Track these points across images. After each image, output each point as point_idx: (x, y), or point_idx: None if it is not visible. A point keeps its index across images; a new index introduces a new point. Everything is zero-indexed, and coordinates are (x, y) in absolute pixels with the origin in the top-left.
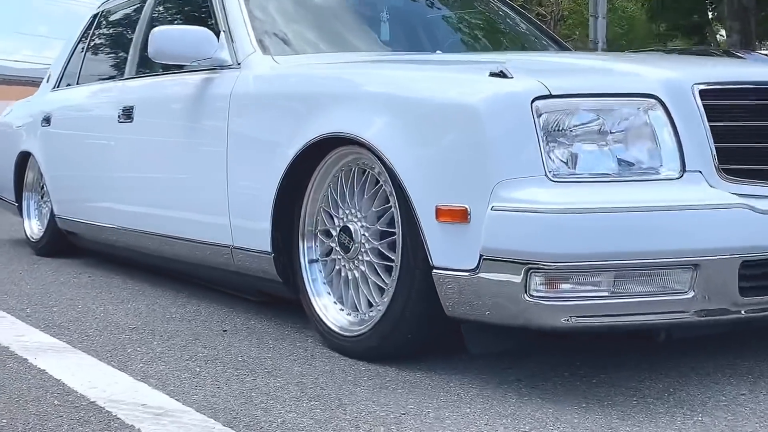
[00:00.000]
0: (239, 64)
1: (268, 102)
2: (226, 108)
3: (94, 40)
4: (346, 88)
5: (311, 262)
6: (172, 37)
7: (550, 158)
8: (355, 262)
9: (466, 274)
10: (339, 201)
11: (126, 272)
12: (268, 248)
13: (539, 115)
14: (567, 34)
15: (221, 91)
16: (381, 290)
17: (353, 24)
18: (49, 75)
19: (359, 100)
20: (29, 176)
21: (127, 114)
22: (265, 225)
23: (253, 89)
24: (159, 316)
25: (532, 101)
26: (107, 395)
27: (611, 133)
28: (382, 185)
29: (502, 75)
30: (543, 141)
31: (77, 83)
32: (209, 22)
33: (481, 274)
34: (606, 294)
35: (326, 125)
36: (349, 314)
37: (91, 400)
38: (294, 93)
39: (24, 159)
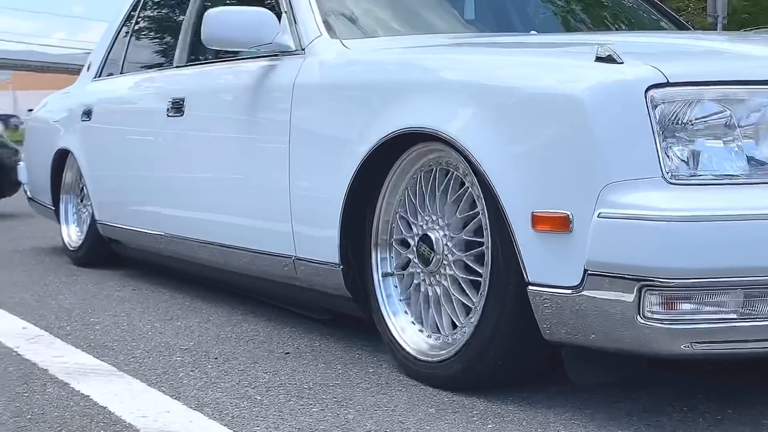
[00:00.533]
0: (303, 49)
1: (337, 92)
2: (289, 100)
3: (139, 24)
4: (426, 76)
5: (385, 275)
6: (227, 20)
7: (668, 156)
8: (437, 276)
9: (568, 291)
10: (418, 206)
11: (175, 285)
12: (336, 259)
13: (654, 107)
14: (678, 7)
15: (283, 81)
16: (467, 309)
17: (432, 1)
18: (90, 63)
19: (441, 89)
20: (67, 177)
21: (177, 107)
22: (333, 233)
23: (319, 78)
24: (213, 335)
25: (646, 90)
26: (159, 425)
27: (740, 127)
28: (468, 188)
29: (610, 60)
30: (659, 136)
31: (121, 72)
32: (269, 3)
33: (585, 292)
34: (734, 316)
35: (403, 119)
36: (429, 336)
37: (141, 430)
38: (366, 82)
39: (62, 158)
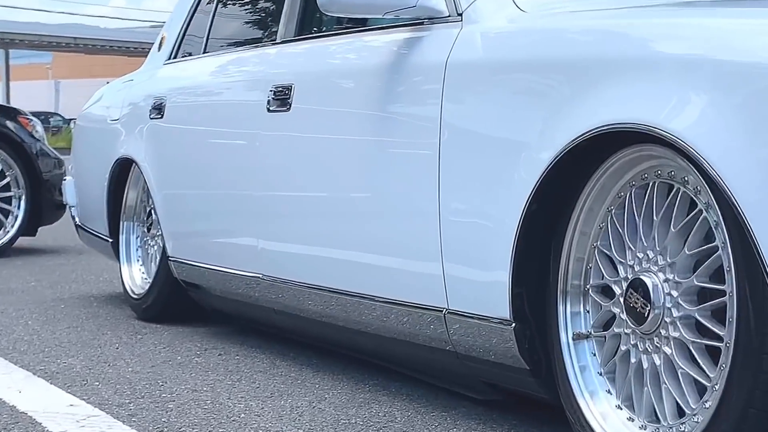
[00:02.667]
0: (460, 14)
1: (507, 75)
2: (439, 86)
3: None
4: (638, 50)
5: (578, 337)
6: None
7: None
8: (655, 340)
9: None
10: (626, 237)
11: (277, 349)
12: (506, 314)
13: None
14: None
15: (430, 59)
16: (700, 389)
17: None
18: (162, 40)
19: (662, 68)
20: (130, 197)
21: (282, 98)
22: (502, 276)
23: (483, 55)
24: (330, 421)
25: None
26: None
27: None
28: (701, 211)
29: None
30: None
31: (204, 52)
32: None
33: None
34: None
35: (604, 111)
36: (643, 428)
37: None
38: (549, 60)
39: (123, 170)
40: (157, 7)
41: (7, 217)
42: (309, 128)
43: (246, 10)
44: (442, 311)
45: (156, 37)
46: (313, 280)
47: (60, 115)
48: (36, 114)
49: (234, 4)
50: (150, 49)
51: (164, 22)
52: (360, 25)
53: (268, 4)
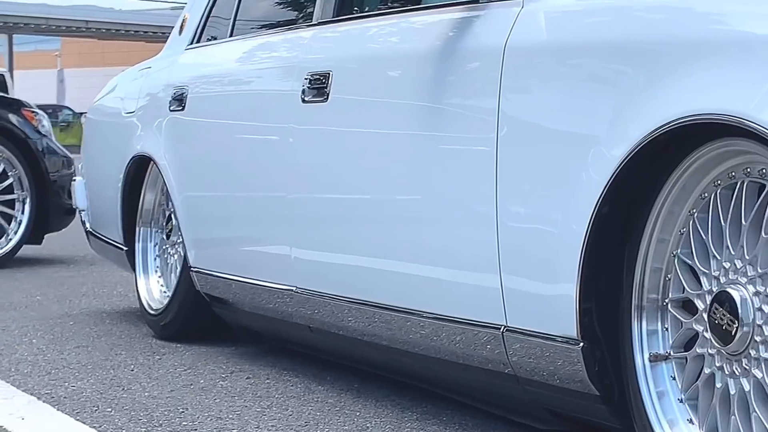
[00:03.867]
0: None
1: (575, 60)
2: (497, 73)
3: None
4: (722, 31)
5: (656, 359)
6: None
7: None
8: (744, 361)
9: None
10: (711, 245)
11: (311, 371)
12: (572, 332)
13: None
14: None
15: (487, 43)
16: None
17: None
18: (183, 21)
19: (749, 51)
20: (147, 199)
21: (318, 87)
22: (568, 289)
23: (547, 37)
24: None
25: None
26: None
27: None
28: None
29: None
30: None
31: (231, 35)
32: None
33: None
34: None
35: (684, 100)
36: None
37: None
38: (622, 42)
39: (139, 169)
40: None
41: (9, 223)
42: (348, 121)
43: None
44: (499, 329)
45: (177, 20)
46: (353, 293)
47: (70, 109)
48: (42, 107)
49: None
50: (170, 33)
51: (186, 4)
52: (406, 4)
53: None
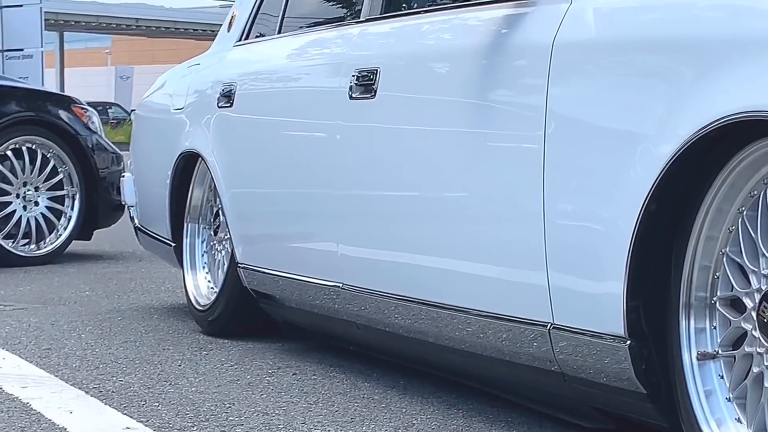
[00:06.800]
0: None
1: (624, 57)
2: (544, 70)
3: None
4: None
5: (703, 357)
6: None
7: None
8: None
9: None
10: (760, 242)
11: (357, 367)
12: (620, 329)
13: None
14: None
15: (535, 39)
16: None
17: None
18: (232, 19)
19: None
20: (195, 196)
21: (366, 84)
22: (615, 287)
23: (595, 34)
24: None
25: None
26: None
27: None
28: None
29: None
30: None
31: (279, 32)
32: None
33: None
34: None
35: (735, 97)
36: None
37: None
38: (673, 38)
39: (187, 166)
40: None
41: (59, 219)
42: (396, 118)
43: None
44: (546, 326)
45: (226, 18)
46: (400, 290)
47: (120, 106)
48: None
49: None
50: (219, 30)
51: (235, 1)
52: (453, 0)
53: None
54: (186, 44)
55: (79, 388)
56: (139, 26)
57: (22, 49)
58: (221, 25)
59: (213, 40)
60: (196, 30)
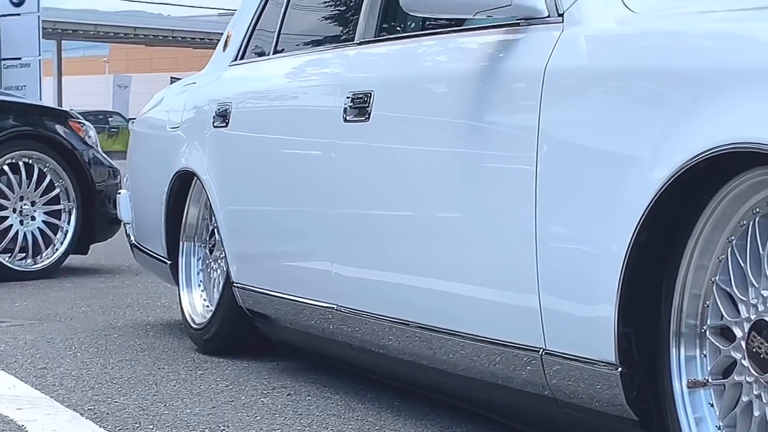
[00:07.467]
0: (561, 14)
1: (617, 83)
2: (537, 94)
3: None
4: (763, 60)
5: (694, 385)
6: None
7: None
8: None
9: None
10: (749, 272)
11: (352, 388)
12: (611, 356)
13: None
14: None
15: (527, 65)
16: None
17: None
18: (228, 38)
19: None
20: (191, 214)
21: (360, 106)
22: (606, 311)
23: (587, 61)
24: None
25: None
26: None
27: None
28: None
29: None
30: None
31: (275, 52)
32: None
33: None
34: None
35: (727, 128)
36: None
37: None
38: (667, 67)
39: (183, 184)
40: None
41: (56, 234)
42: (390, 141)
43: (320, 7)
44: (538, 351)
45: (225, 26)
46: (393, 312)
47: (121, 115)
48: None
49: (306, 3)
50: (218, 39)
51: (234, 10)
52: (447, 25)
53: (344, 2)
54: (184, 53)
55: (74, 410)
56: (137, 35)
57: (19, 58)
58: (219, 33)
59: (211, 48)
60: (194, 39)
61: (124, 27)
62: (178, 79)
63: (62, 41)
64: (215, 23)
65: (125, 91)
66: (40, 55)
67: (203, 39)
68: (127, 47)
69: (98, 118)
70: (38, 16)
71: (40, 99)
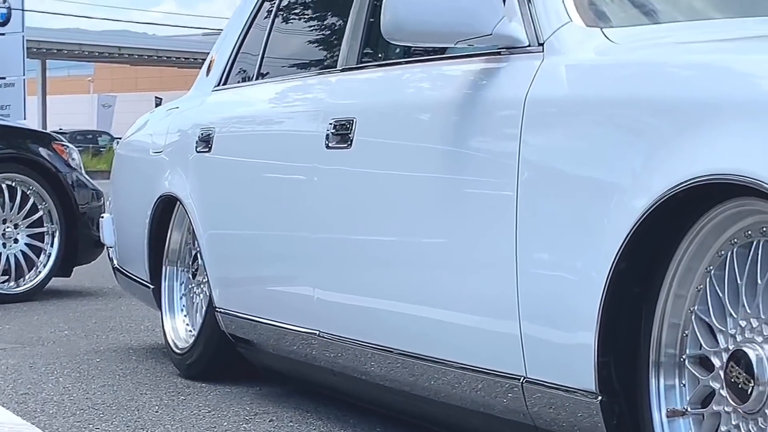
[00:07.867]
0: (542, 44)
1: (597, 113)
2: (518, 122)
3: (284, 7)
4: (747, 91)
5: (673, 414)
6: (421, 1)
7: None
8: (760, 420)
9: None
10: (727, 302)
11: (334, 414)
12: (591, 385)
13: None
14: None
15: (508, 93)
16: None
17: None
18: (210, 63)
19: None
20: (174, 239)
21: (342, 133)
22: (587, 339)
23: (568, 90)
24: None
25: None
26: None
27: None
28: None
29: None
30: None
31: (257, 77)
32: None
33: None
34: None
35: (707, 159)
36: None
37: None
38: (646, 97)
39: (166, 208)
40: (212, 12)
41: (39, 256)
42: (372, 167)
43: (303, 33)
44: (519, 379)
45: (210, 46)
46: (375, 339)
47: (109, 134)
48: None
49: (291, 26)
50: (203, 59)
51: (219, 30)
52: (431, 54)
53: (327, 28)
54: (169, 72)
55: None
56: (121, 54)
57: (4, 78)
58: (203, 53)
59: (195, 68)
60: (179, 58)
61: (109, 47)
62: (162, 98)
63: (47, 60)
64: (200, 43)
65: (109, 111)
66: (24, 75)
67: (188, 58)
68: (112, 67)
69: (87, 137)
70: (23, 36)
71: (25, 118)
